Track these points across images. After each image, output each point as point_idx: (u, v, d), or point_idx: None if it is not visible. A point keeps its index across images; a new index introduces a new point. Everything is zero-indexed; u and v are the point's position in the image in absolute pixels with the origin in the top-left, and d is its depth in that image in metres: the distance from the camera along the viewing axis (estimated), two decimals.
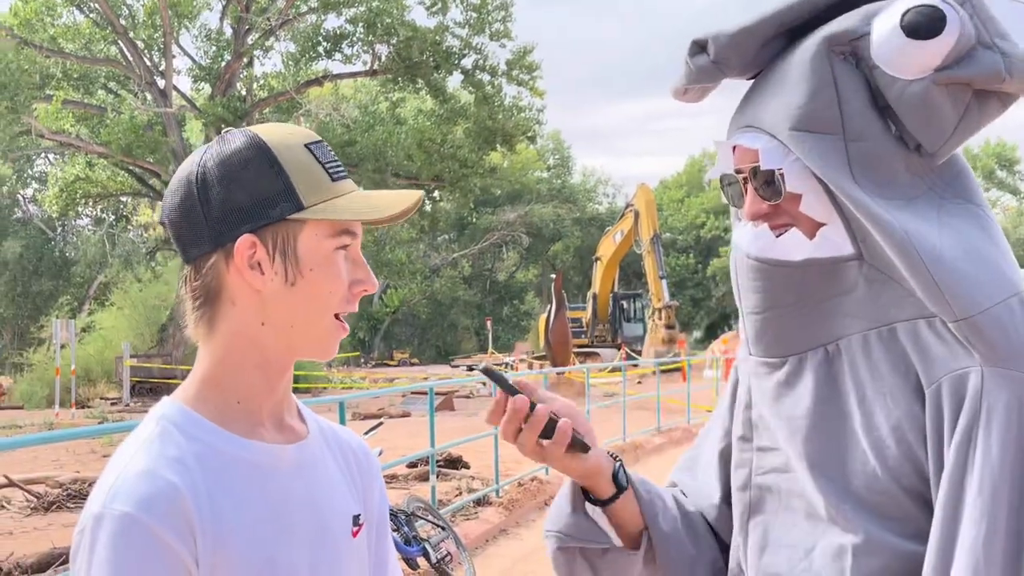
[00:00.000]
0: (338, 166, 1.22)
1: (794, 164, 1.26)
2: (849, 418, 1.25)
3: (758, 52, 1.30)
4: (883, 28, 1.21)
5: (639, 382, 28.33)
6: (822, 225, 1.27)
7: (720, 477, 1.44)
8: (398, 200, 1.22)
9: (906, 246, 1.20)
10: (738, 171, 1.33)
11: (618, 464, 1.38)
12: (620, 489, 1.37)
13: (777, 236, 1.29)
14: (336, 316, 1.22)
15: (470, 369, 42.94)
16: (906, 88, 1.22)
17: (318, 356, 1.22)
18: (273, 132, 1.21)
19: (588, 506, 1.39)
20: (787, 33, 1.30)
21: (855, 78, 1.24)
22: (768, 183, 1.28)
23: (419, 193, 1.24)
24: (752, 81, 1.35)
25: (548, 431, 1.29)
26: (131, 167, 30.22)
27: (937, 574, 1.14)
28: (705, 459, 1.48)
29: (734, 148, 1.33)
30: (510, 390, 1.29)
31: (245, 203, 1.17)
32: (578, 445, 1.30)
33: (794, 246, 1.27)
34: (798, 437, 1.27)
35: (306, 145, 1.20)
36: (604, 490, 1.37)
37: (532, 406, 1.28)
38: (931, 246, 1.20)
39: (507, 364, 38.94)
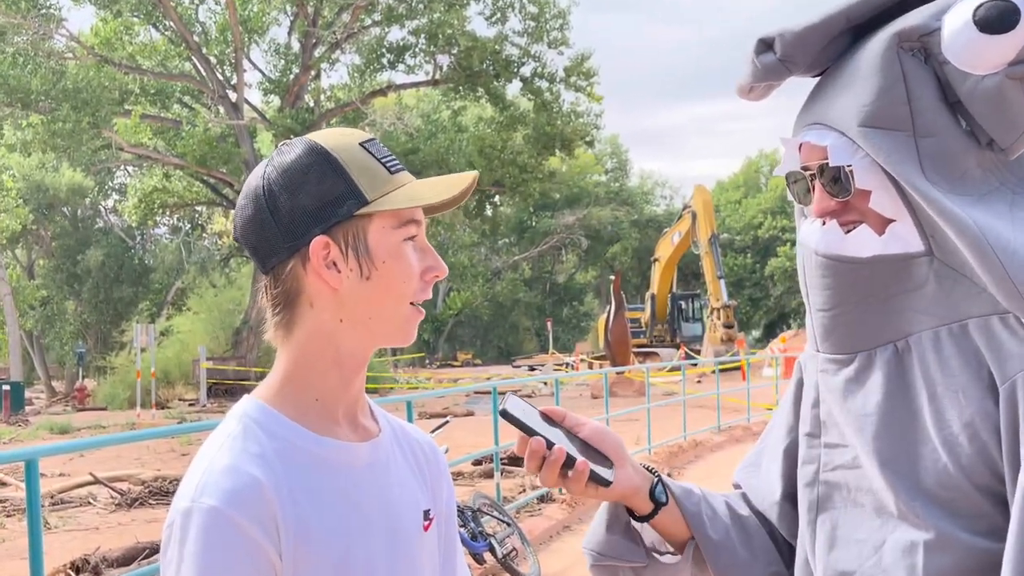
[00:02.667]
0: (393, 160, 1.24)
1: (863, 160, 1.23)
2: (919, 415, 1.22)
3: (824, 49, 1.28)
4: (955, 23, 1.18)
5: (699, 381, 28.10)
6: (891, 221, 1.24)
7: (783, 474, 1.42)
8: (455, 183, 1.23)
9: (980, 242, 1.17)
10: (805, 168, 1.31)
11: (656, 480, 1.37)
12: (659, 505, 1.35)
13: (846, 233, 1.27)
14: (411, 303, 1.23)
15: (532, 369, 43.02)
16: (978, 84, 1.18)
17: (399, 342, 1.23)
18: (328, 136, 1.23)
19: (633, 522, 1.38)
20: (853, 30, 1.28)
21: (925, 74, 1.21)
22: (836, 180, 1.26)
23: (473, 174, 1.24)
24: (817, 79, 1.32)
25: (570, 465, 1.29)
26: (205, 177, 30.83)
27: (1017, 574, 1.11)
28: (768, 457, 1.46)
29: (800, 146, 1.30)
30: (528, 431, 1.29)
31: (312, 206, 1.18)
32: (598, 480, 1.30)
33: (863, 242, 1.25)
34: (867, 433, 1.25)
35: (361, 144, 1.22)
36: (643, 507, 1.36)
37: (550, 445, 1.28)
38: (1005, 241, 1.17)
39: (567, 364, 38.92)
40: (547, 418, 1.32)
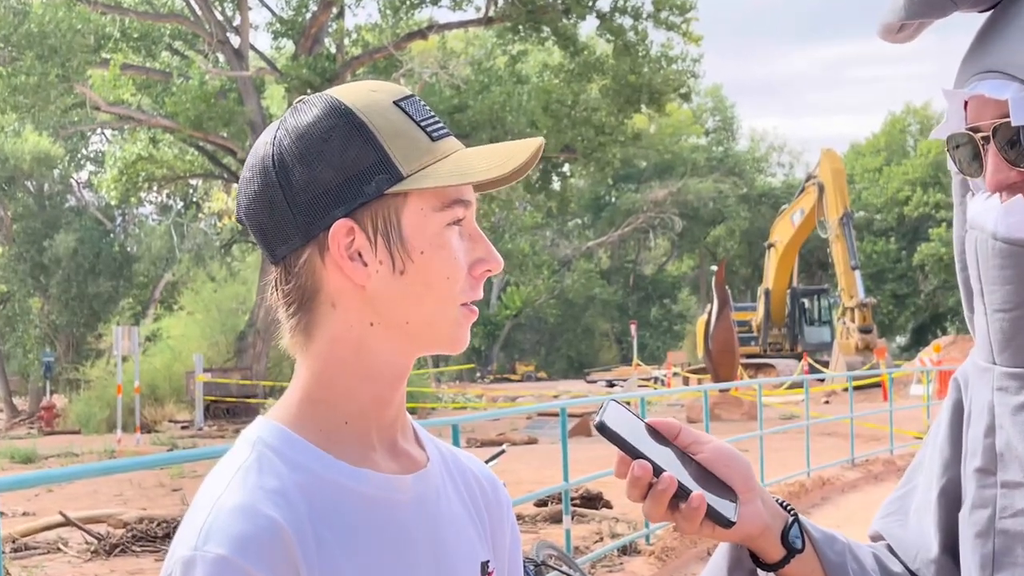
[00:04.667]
0: (437, 123, 1.24)
1: None
2: None
3: None
4: None
5: (826, 401, 27.75)
6: None
7: (941, 523, 1.39)
8: (514, 152, 1.22)
9: None
10: (974, 129, 1.28)
11: (791, 519, 1.35)
12: (793, 551, 1.34)
13: None
14: (461, 304, 1.23)
15: (611, 385, 42.97)
16: None
17: (447, 349, 1.24)
18: (354, 92, 1.23)
19: (760, 572, 1.37)
20: None
21: None
22: (1015, 143, 1.24)
23: (538, 141, 1.23)
24: (989, 14, 1.30)
25: (683, 496, 1.27)
26: (201, 143, 31.28)
27: None
28: (919, 501, 1.44)
29: (967, 101, 1.28)
30: (630, 451, 1.27)
31: (334, 182, 1.18)
32: (717, 518, 1.28)
33: None
34: None
35: (395, 102, 1.22)
36: (772, 552, 1.33)
37: (658, 470, 1.27)
38: None
39: (656, 379, 38.79)
40: (656, 434, 1.31)
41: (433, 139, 1.21)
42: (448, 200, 1.20)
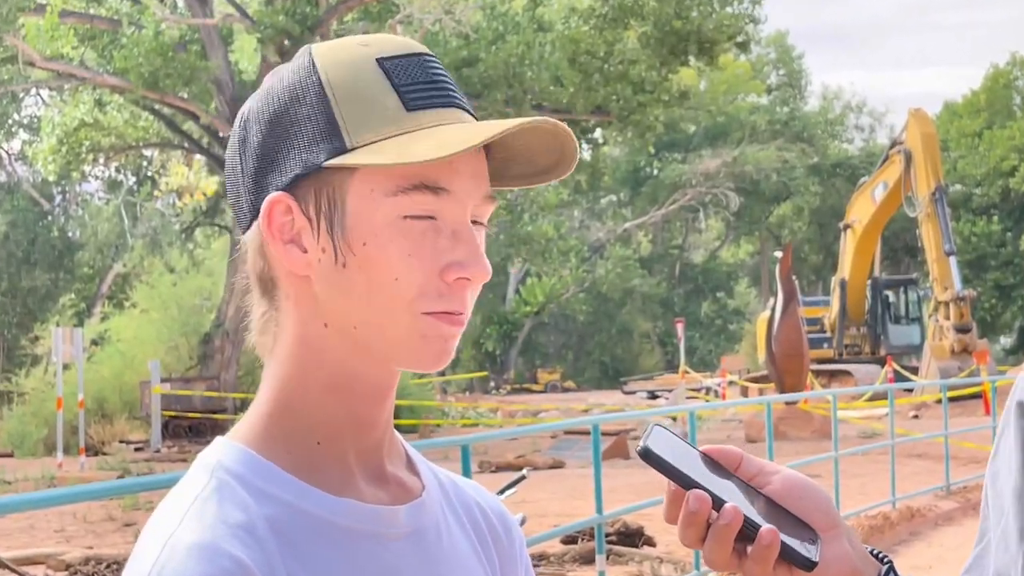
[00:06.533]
0: (430, 89, 1.22)
1: None
2: None
3: None
4: None
5: (915, 415, 27.66)
6: None
7: None
8: (480, 131, 1.20)
9: None
10: None
11: (885, 569, 1.34)
12: None
13: None
14: (424, 312, 1.21)
15: (653, 396, 42.90)
16: None
17: (413, 366, 1.23)
18: (337, 45, 1.25)
19: None
20: None
21: None
22: None
23: (554, 124, 1.20)
24: None
25: (751, 534, 1.25)
26: (157, 106, 31.34)
27: None
28: (1000, 562, 1.43)
29: None
30: (683, 481, 1.25)
31: (278, 148, 1.22)
32: (794, 559, 1.26)
33: None
34: None
35: (380, 59, 1.22)
36: None
37: (719, 503, 1.25)
38: None
39: (708, 389, 38.73)
40: (712, 463, 1.29)
41: (409, 108, 1.20)
42: (407, 184, 1.19)
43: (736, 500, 1.24)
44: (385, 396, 1.26)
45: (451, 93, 1.24)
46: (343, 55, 1.23)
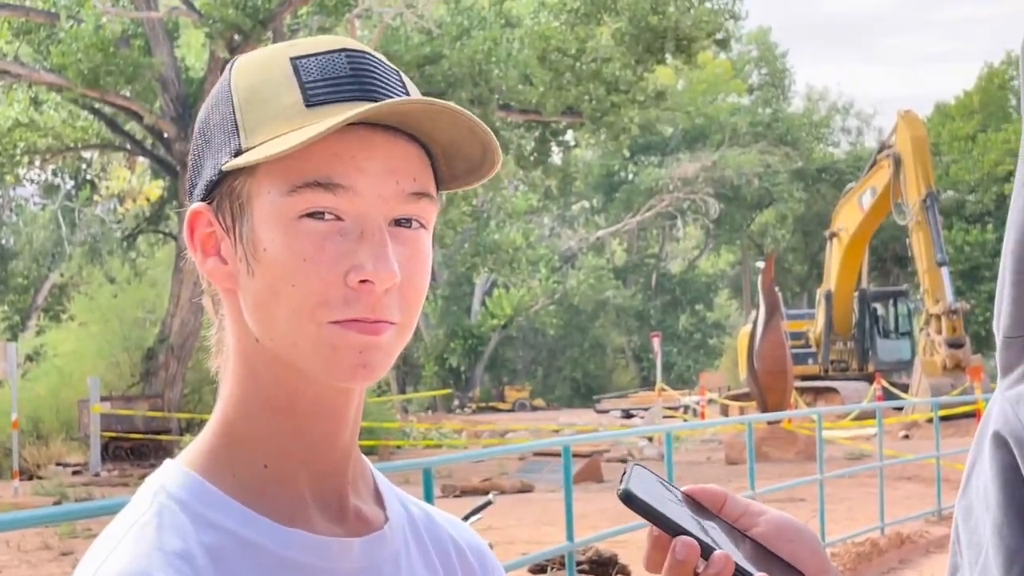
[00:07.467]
0: (343, 84, 1.21)
1: None
2: None
3: None
4: None
5: (905, 435, 27.74)
6: None
7: None
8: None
9: None
10: None
11: None
12: None
13: None
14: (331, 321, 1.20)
15: (627, 415, 42.91)
16: None
17: (331, 380, 1.21)
18: (262, 50, 1.27)
19: None
20: None
21: None
22: None
23: (449, 107, 1.19)
24: None
25: None
26: (98, 105, 31.21)
27: None
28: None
29: None
30: (667, 525, 1.26)
31: (203, 157, 1.25)
32: None
33: None
34: None
35: (294, 58, 1.23)
36: None
37: (706, 550, 1.26)
38: None
39: (687, 408, 38.79)
40: (695, 504, 1.30)
41: (309, 104, 1.20)
42: (299, 181, 1.18)
43: (724, 545, 1.24)
44: (337, 417, 1.25)
45: (374, 87, 1.21)
46: (259, 58, 1.25)
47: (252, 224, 1.20)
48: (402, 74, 1.27)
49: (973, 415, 26.32)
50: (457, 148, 1.24)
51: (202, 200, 1.23)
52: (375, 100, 1.20)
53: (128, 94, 28.36)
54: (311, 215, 1.18)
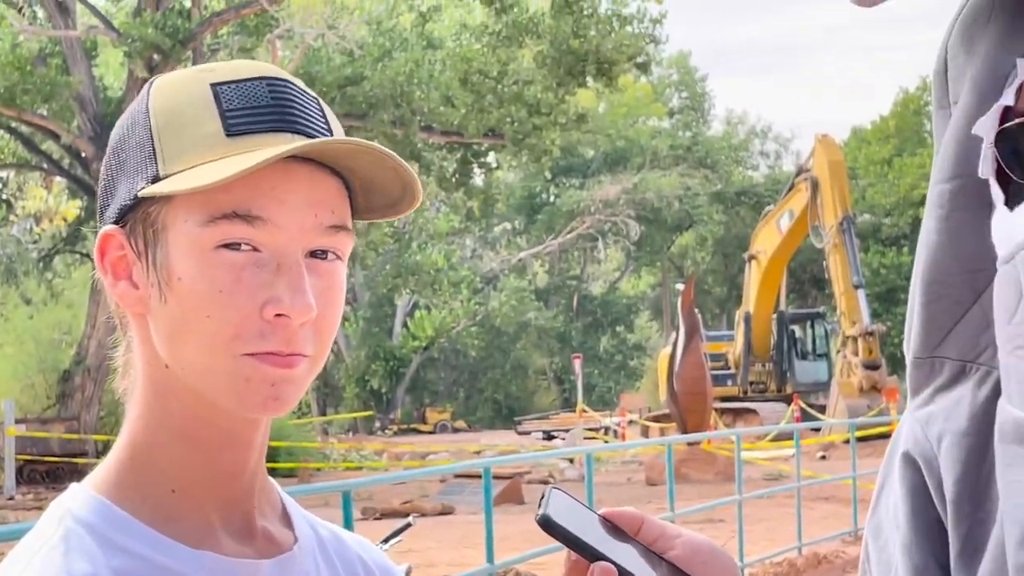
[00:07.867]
0: (264, 114, 1.21)
1: None
2: None
3: None
4: None
5: (822, 456, 27.99)
6: None
7: None
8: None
9: None
10: None
11: None
12: None
13: None
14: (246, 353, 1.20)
15: (548, 437, 42.93)
16: None
17: (244, 411, 1.21)
18: (180, 73, 1.27)
19: None
20: None
21: None
22: None
23: (371, 147, 1.19)
24: None
25: None
26: (13, 124, 30.91)
27: None
28: None
29: (1021, 85, 1.28)
30: (585, 551, 1.26)
31: (116, 179, 1.25)
32: None
33: None
34: None
35: (215, 84, 1.23)
36: None
37: (623, 575, 1.26)
38: None
39: (607, 429, 38.90)
40: (613, 528, 1.30)
41: (229, 133, 1.20)
42: (218, 212, 1.18)
43: (640, 569, 1.25)
44: (246, 445, 1.25)
45: (294, 117, 1.22)
46: (178, 81, 1.25)
47: (167, 252, 1.20)
48: (321, 102, 1.27)
49: (889, 436, 26.57)
50: (377, 185, 1.24)
51: (114, 223, 1.23)
52: (296, 131, 1.20)
53: (45, 113, 28.15)
54: (227, 246, 1.18)
